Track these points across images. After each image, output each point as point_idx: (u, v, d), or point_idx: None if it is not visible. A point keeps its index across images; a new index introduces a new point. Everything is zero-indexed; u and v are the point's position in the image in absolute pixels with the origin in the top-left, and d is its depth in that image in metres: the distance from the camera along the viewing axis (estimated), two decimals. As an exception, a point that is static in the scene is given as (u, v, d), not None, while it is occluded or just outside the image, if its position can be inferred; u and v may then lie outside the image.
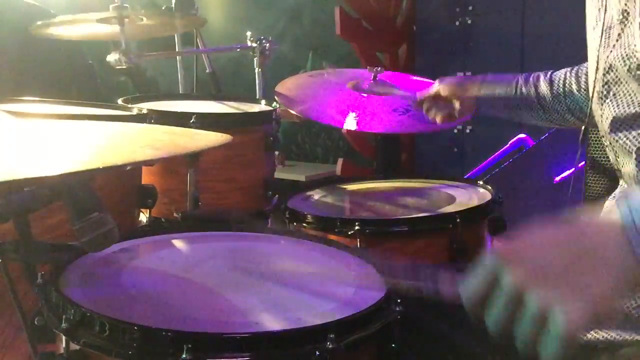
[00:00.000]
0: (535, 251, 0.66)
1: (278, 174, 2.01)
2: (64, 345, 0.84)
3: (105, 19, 1.87)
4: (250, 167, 1.79)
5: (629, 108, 1.00)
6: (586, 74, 1.39)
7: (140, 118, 1.58)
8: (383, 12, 3.74)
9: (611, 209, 0.68)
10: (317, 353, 0.78)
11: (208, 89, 2.55)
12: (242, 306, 0.91)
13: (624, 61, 0.98)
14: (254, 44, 2.20)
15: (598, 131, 1.17)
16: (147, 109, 1.66)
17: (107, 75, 3.33)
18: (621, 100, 1.01)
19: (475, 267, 0.69)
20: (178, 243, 1.19)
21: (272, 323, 0.85)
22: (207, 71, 2.53)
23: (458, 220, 1.41)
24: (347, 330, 0.82)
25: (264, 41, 2.20)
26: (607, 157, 1.16)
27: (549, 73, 1.44)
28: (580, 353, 0.98)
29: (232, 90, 3.35)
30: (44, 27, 1.97)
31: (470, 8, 3.50)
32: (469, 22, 3.51)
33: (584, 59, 1.34)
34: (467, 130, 3.56)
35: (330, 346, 0.78)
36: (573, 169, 2.80)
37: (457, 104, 1.52)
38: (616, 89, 1.02)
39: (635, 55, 0.96)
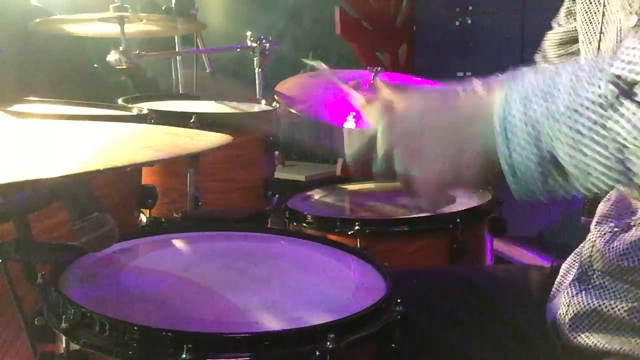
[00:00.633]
0: (408, 113, 0.80)
1: (278, 174, 2.01)
2: (64, 345, 0.84)
3: (105, 19, 1.87)
4: (250, 167, 1.79)
5: None
6: None
7: (140, 118, 1.59)
8: (383, 12, 3.74)
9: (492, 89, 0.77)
10: (317, 353, 0.78)
11: (208, 89, 2.56)
12: (242, 306, 0.91)
13: None
14: (254, 44, 2.20)
15: None
16: (147, 109, 1.66)
17: (107, 75, 3.32)
18: None
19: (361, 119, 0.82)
20: (178, 243, 1.19)
21: (272, 323, 0.85)
22: (207, 71, 2.53)
23: (458, 220, 1.41)
24: (347, 330, 0.82)
25: (264, 41, 2.20)
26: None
27: None
28: (576, 352, 0.98)
29: (232, 90, 3.35)
30: (44, 27, 1.97)
31: (470, 8, 3.50)
32: (469, 22, 3.51)
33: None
34: (467, 130, 3.55)
35: (330, 346, 0.78)
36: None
37: None
38: None
39: None
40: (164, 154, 0.78)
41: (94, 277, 0.98)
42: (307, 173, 3.97)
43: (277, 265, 1.09)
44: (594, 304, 0.95)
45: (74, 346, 0.83)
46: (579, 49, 1.11)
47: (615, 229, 0.97)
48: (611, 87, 0.64)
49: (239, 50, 2.38)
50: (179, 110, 1.81)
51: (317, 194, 1.77)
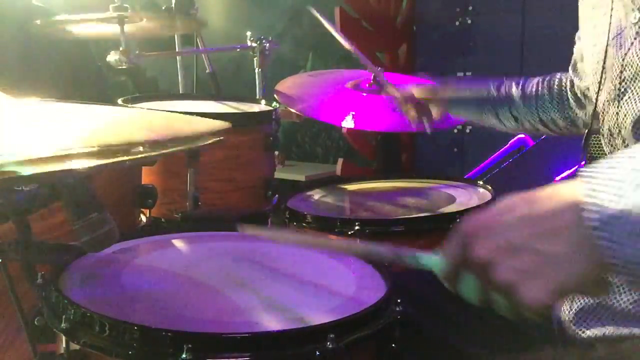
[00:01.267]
0: (498, 225, 0.67)
1: (278, 174, 2.01)
2: (64, 345, 0.84)
3: (105, 19, 1.87)
4: (250, 167, 1.79)
5: None
6: (558, 85, 1.40)
7: (140, 118, 1.58)
8: (383, 12, 3.74)
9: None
10: (317, 353, 0.78)
11: (208, 89, 2.56)
12: (242, 306, 0.91)
13: None
14: (254, 44, 2.20)
15: (598, 133, 1.17)
16: (147, 109, 1.66)
17: (107, 75, 3.33)
18: None
19: (447, 241, 0.72)
20: (178, 243, 1.19)
21: (272, 323, 0.85)
22: (207, 71, 2.53)
23: (458, 220, 1.41)
24: (347, 330, 0.82)
25: (264, 41, 2.20)
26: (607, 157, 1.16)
27: (521, 82, 1.45)
28: (578, 348, 0.98)
29: (232, 90, 3.35)
30: (44, 27, 1.97)
31: (470, 8, 3.50)
32: (469, 22, 3.51)
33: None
34: (467, 130, 3.55)
35: (331, 346, 0.78)
36: (573, 169, 2.80)
37: (429, 106, 1.55)
38: (634, 86, 1.02)
39: None
40: (161, 135, 0.77)
41: (94, 277, 0.98)
42: (307, 173, 3.98)
43: (277, 265, 1.09)
44: (598, 298, 0.96)
45: (74, 346, 0.83)
46: None
47: None
48: None
49: (239, 50, 2.39)
50: (179, 111, 1.81)
51: (317, 194, 1.77)
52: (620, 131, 1.06)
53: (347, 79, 1.93)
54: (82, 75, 2.87)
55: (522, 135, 3.14)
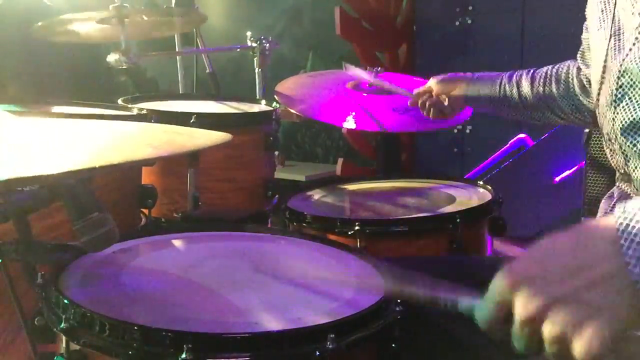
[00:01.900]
0: (542, 278, 0.66)
1: (278, 174, 2.01)
2: (64, 345, 0.84)
3: (105, 18, 1.87)
4: (250, 167, 1.79)
5: None
6: (566, 73, 1.44)
7: (140, 118, 1.58)
8: (383, 12, 3.74)
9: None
10: (317, 353, 0.78)
11: (208, 89, 2.55)
12: (242, 306, 0.91)
13: None
14: (254, 44, 2.20)
15: (599, 132, 1.17)
16: (147, 109, 1.66)
17: (107, 75, 3.33)
18: (638, 105, 1.01)
19: (488, 290, 0.69)
20: (178, 243, 1.19)
21: (272, 323, 0.85)
22: (207, 71, 2.53)
23: (458, 220, 1.41)
24: (347, 330, 0.82)
25: (264, 41, 2.20)
26: (607, 157, 1.16)
27: (531, 71, 1.50)
28: None
29: (232, 90, 3.35)
30: (44, 27, 1.97)
31: (470, 8, 3.50)
32: (469, 22, 3.51)
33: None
34: (467, 130, 3.56)
35: (330, 346, 0.78)
36: (573, 169, 2.80)
37: (446, 101, 1.59)
38: (632, 93, 1.02)
39: None
40: (162, 152, 0.78)
41: (94, 277, 0.98)
42: (307, 173, 3.98)
43: (277, 265, 1.09)
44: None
45: (74, 346, 0.83)
46: None
47: None
48: None
49: (239, 50, 2.39)
50: (179, 110, 1.81)
51: (317, 194, 1.77)
52: (616, 137, 1.07)
53: (347, 79, 1.93)
54: (87, 74, 2.87)
55: (522, 135, 3.15)
